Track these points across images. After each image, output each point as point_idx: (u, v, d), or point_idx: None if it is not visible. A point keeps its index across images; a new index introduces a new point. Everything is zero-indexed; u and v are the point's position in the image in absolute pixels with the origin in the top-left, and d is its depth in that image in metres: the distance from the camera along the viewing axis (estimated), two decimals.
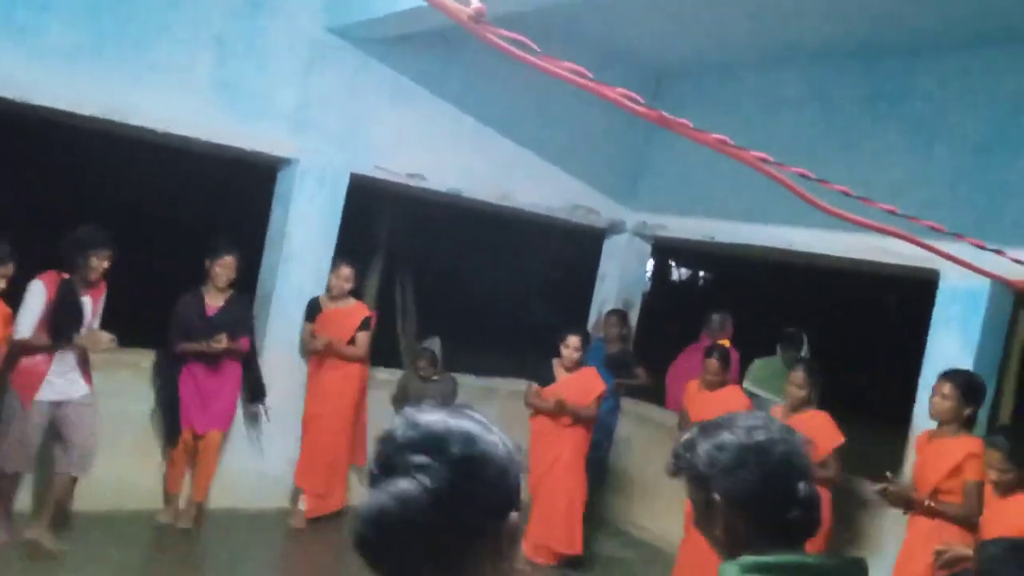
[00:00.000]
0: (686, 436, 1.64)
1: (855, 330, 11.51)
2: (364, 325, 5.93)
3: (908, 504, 4.36)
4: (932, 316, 5.14)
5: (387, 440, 1.15)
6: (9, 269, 4.53)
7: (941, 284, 5.12)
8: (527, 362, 6.41)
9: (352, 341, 5.89)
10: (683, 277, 15.50)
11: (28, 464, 4.86)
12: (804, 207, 5.52)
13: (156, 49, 5.24)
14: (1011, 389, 5.24)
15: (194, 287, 5.56)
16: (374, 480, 1.14)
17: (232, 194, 8.25)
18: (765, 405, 6.44)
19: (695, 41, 6.25)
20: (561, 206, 7.09)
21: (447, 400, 5.93)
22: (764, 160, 1.85)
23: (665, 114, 1.75)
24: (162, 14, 5.24)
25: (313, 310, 5.94)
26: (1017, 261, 3.87)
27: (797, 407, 5.05)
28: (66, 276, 4.78)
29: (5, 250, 4.51)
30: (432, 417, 1.16)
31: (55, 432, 4.86)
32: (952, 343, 5.02)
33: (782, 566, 1.48)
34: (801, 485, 1.54)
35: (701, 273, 15.87)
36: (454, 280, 7.47)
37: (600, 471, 6.75)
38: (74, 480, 4.94)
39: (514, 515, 1.15)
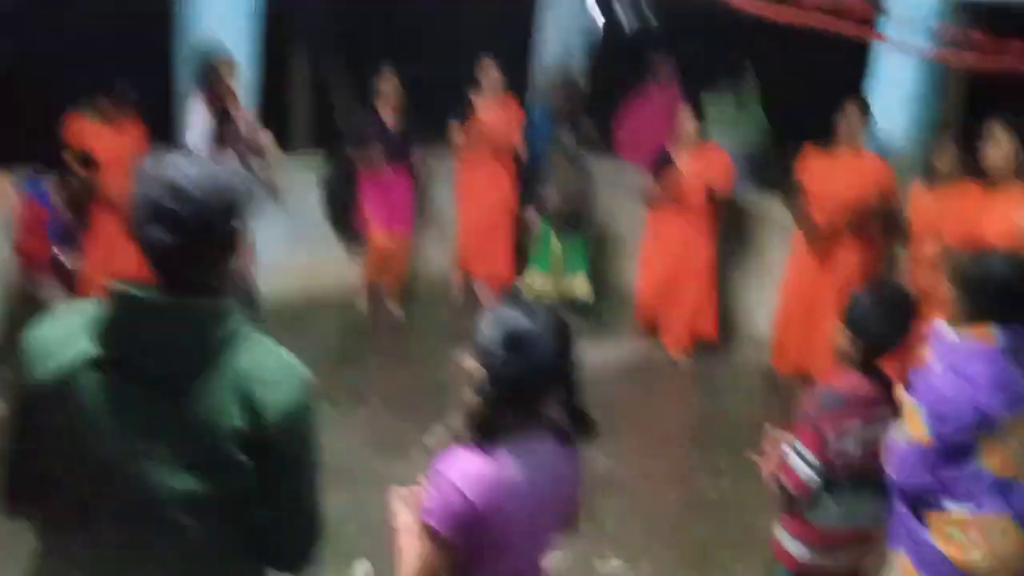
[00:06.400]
0: None
1: (797, 54, 11.01)
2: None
3: None
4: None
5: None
6: None
7: None
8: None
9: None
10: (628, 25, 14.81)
11: None
12: None
13: None
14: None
15: (367, 106, 5.91)
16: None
17: None
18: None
19: None
20: None
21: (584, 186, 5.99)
22: None
23: None
24: None
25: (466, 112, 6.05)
26: None
27: (689, 143, 5.25)
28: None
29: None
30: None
31: None
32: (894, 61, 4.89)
33: (128, 296, 1.60)
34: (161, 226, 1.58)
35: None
36: (382, 40, 7.11)
37: None
38: None
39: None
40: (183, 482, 1.59)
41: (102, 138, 4.99)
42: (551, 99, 6.71)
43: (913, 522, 2.52)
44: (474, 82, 6.02)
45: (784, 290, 5.08)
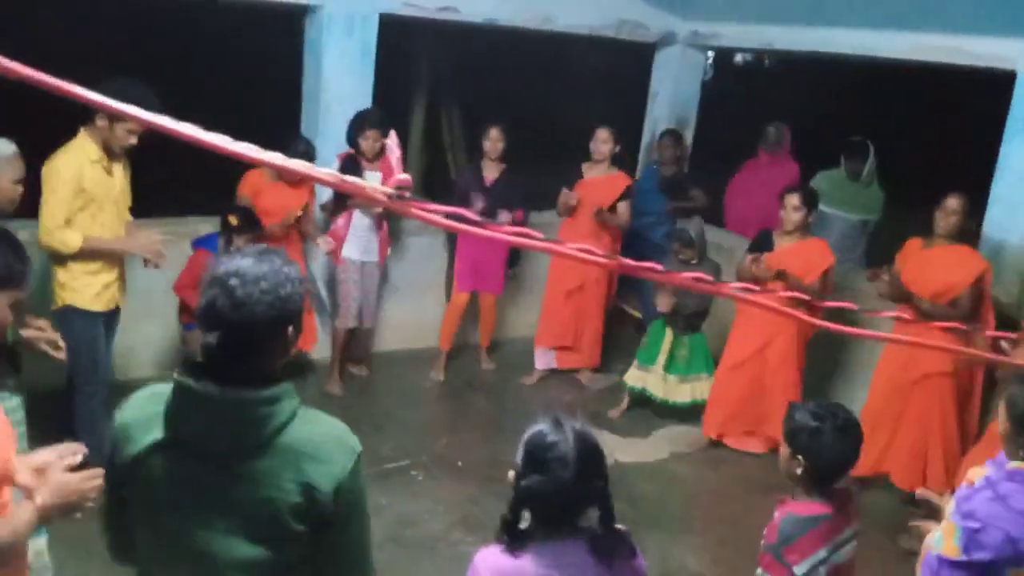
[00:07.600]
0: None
1: (924, 139, 10.81)
2: (626, 194, 5.85)
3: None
4: (1007, 121, 4.80)
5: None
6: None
7: (1017, 86, 4.73)
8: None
9: (612, 209, 5.79)
10: (740, 91, 14.73)
11: (351, 318, 5.66)
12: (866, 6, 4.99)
13: None
14: None
15: (473, 161, 5.90)
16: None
17: (260, 47, 7.98)
18: (831, 221, 6.23)
19: None
20: (606, 23, 6.68)
21: None
22: None
23: None
24: None
25: (574, 178, 5.95)
26: None
27: (793, 233, 4.96)
28: (352, 152, 5.44)
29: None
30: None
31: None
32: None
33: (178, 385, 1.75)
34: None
35: (759, 84, 14.95)
36: (501, 108, 7.24)
37: None
38: (368, 330, 5.89)
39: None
40: (243, 550, 1.74)
41: (276, 195, 5.19)
42: (660, 164, 6.71)
43: None
44: (585, 150, 5.89)
45: (873, 387, 4.85)
